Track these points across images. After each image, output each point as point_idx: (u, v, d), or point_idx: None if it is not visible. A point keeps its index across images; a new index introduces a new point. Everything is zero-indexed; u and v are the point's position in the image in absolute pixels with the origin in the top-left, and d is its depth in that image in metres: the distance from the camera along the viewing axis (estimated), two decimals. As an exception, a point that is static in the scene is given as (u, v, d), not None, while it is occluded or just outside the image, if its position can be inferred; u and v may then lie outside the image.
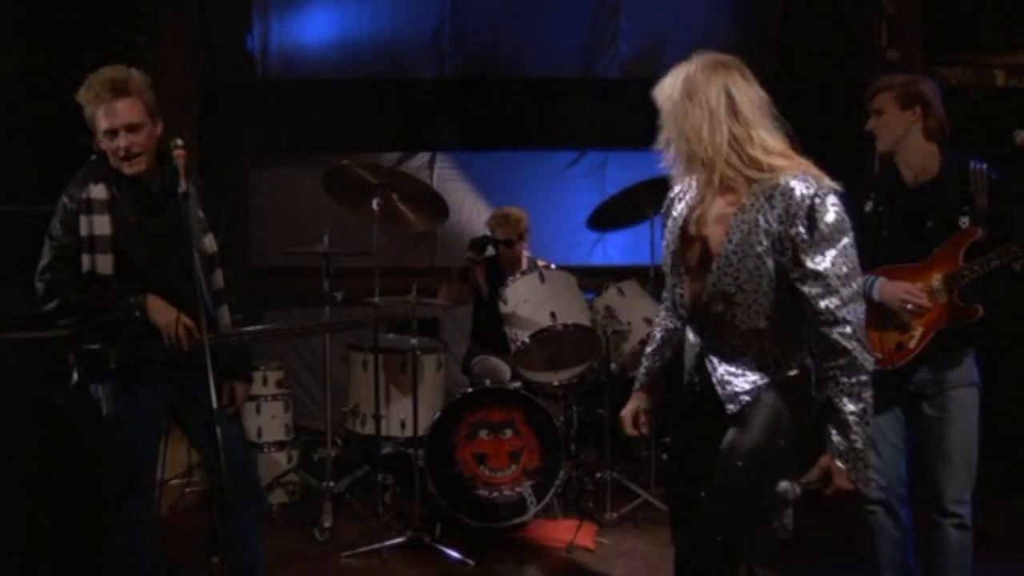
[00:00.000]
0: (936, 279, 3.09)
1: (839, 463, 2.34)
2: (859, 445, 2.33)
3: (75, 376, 3.04)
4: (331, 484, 4.64)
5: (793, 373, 2.45)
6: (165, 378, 3.03)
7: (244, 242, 6.53)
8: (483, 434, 4.53)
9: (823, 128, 6.20)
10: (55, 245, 2.99)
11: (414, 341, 4.49)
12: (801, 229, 2.32)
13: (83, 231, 2.94)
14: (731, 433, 2.45)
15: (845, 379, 2.33)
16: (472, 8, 6.49)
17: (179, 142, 2.91)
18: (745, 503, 2.42)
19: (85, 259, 2.95)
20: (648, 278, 4.94)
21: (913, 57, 5.73)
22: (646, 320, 4.53)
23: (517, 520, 4.47)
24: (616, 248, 6.69)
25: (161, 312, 2.95)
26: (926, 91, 3.16)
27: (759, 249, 2.36)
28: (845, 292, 2.33)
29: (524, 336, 4.40)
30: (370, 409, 4.71)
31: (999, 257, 2.98)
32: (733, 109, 2.34)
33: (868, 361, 2.34)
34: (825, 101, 6.16)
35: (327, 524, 4.49)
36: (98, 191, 2.96)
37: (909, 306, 3.06)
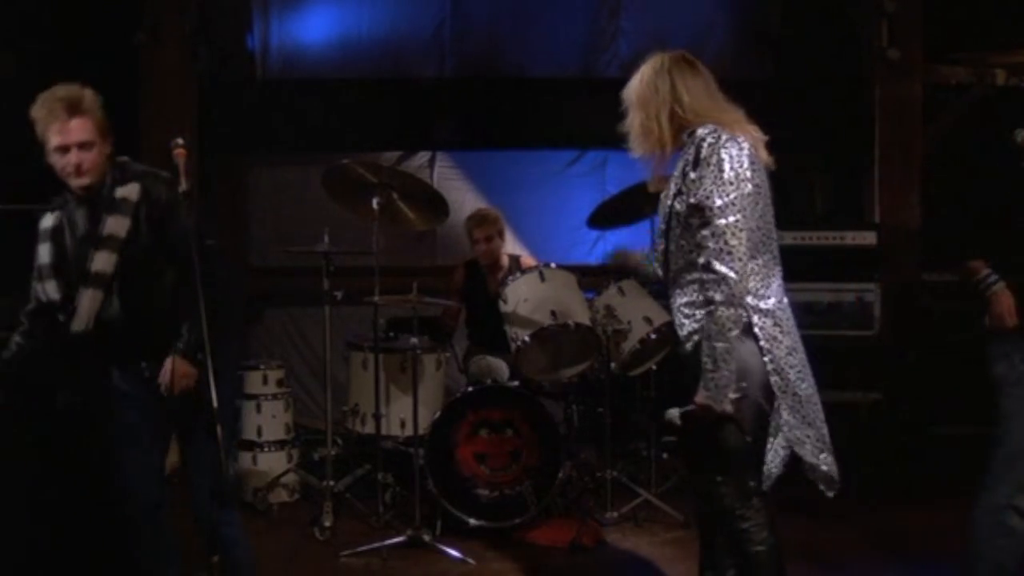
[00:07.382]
0: None
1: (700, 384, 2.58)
2: (708, 366, 2.56)
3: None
4: (331, 483, 4.64)
5: None
6: None
7: (244, 242, 6.54)
8: (483, 433, 4.54)
9: (823, 127, 6.25)
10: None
11: (414, 340, 4.49)
12: (693, 165, 2.62)
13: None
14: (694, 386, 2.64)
15: (714, 307, 2.54)
16: (472, 8, 6.49)
17: (179, 141, 2.91)
18: (726, 449, 2.65)
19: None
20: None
21: (913, 57, 5.73)
22: (646, 319, 4.52)
23: (517, 519, 4.47)
24: (616, 247, 6.69)
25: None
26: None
27: (672, 190, 2.72)
28: (719, 222, 2.52)
29: (524, 335, 4.40)
30: (370, 408, 4.72)
31: None
32: (675, 91, 2.71)
33: (728, 294, 2.51)
34: (825, 101, 6.17)
35: (327, 523, 4.50)
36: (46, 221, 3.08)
37: None
